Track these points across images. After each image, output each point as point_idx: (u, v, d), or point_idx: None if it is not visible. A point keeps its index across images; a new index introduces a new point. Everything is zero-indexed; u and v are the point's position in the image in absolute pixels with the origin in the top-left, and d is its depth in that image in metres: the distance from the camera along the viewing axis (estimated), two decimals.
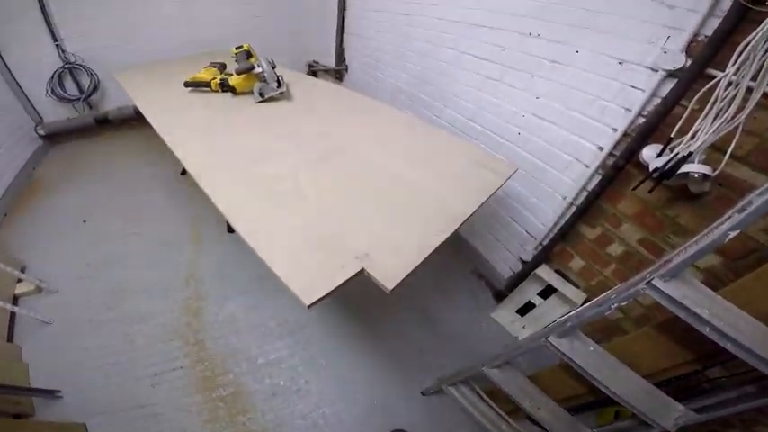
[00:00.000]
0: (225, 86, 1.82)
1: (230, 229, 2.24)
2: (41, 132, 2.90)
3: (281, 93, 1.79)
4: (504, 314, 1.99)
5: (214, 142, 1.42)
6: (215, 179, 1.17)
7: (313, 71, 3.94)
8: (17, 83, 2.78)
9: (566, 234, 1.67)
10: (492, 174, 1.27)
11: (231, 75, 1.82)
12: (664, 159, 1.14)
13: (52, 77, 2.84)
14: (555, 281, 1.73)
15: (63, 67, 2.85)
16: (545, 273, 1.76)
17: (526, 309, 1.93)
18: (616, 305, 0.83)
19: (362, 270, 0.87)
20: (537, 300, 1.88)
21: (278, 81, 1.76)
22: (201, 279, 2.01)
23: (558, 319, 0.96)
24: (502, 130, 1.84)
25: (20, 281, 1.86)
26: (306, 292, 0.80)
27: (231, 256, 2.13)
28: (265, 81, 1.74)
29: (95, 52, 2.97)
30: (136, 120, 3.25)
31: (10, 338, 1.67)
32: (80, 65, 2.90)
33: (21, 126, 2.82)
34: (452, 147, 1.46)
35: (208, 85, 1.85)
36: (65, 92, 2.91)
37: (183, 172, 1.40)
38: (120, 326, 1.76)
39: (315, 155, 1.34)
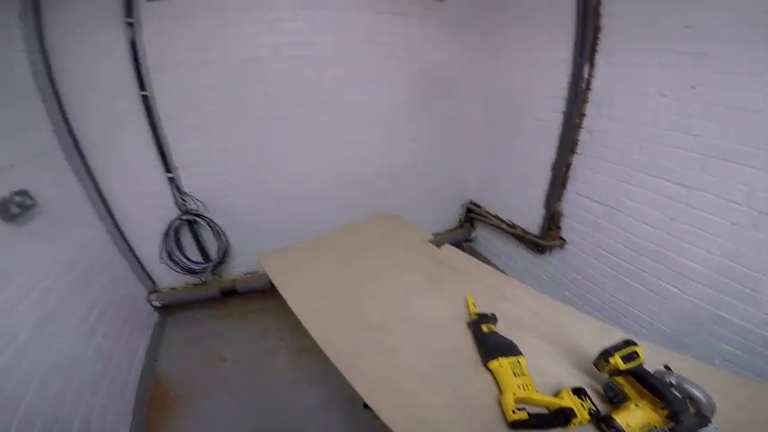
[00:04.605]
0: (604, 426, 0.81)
1: None
2: (157, 303, 2.23)
3: None
4: None
5: None
6: None
7: (470, 218, 3.13)
8: (122, 235, 2.09)
9: None
10: None
11: (583, 402, 0.84)
12: None
13: (167, 233, 2.18)
14: None
15: (180, 218, 2.19)
16: None
17: None
18: None
19: None
20: None
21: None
22: None
23: None
24: None
25: None
26: None
27: None
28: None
29: (215, 191, 2.26)
30: (266, 293, 2.44)
31: None
32: (201, 216, 2.22)
33: (134, 298, 2.15)
34: None
35: (563, 422, 0.82)
36: (184, 256, 2.24)
37: (367, 405, 0.76)
38: None
39: None
